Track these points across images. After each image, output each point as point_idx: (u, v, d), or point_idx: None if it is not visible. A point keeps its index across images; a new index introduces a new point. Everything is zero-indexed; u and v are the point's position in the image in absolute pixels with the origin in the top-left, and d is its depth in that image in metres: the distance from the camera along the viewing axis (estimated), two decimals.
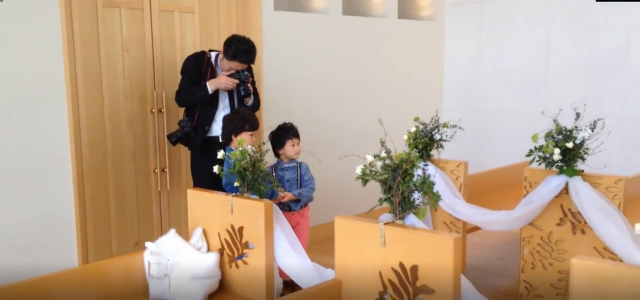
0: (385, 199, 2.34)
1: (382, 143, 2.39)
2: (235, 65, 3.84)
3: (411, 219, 2.34)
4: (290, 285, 3.80)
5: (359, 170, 2.36)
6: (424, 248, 2.21)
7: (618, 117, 4.99)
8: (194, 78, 3.91)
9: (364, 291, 2.40)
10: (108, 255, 4.04)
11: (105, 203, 4.08)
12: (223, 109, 3.96)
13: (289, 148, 3.79)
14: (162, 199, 4.37)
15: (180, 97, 3.96)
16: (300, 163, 3.85)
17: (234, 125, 3.68)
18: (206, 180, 3.65)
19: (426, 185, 2.25)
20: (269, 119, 4.18)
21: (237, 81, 3.83)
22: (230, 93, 3.96)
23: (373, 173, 2.31)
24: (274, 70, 4.77)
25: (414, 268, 2.25)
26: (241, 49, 3.81)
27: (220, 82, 3.83)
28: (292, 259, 2.73)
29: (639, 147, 5.04)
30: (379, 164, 2.30)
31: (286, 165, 3.81)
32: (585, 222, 3.14)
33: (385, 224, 2.31)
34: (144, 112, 4.22)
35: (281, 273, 3.54)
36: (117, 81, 4.07)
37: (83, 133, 3.92)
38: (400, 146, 2.73)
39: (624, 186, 3.06)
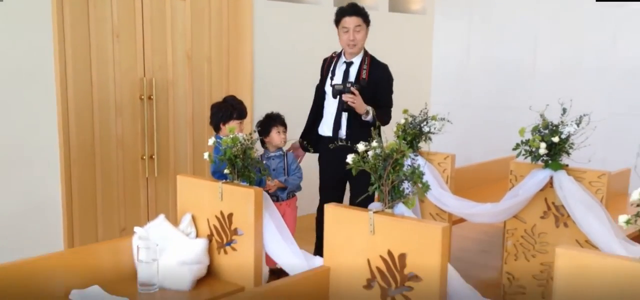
0: (375, 188, 2.37)
1: (373, 133, 2.41)
2: (348, 22, 3.77)
3: (400, 208, 2.37)
4: (276, 274, 3.83)
5: (350, 159, 2.39)
6: (412, 236, 2.24)
7: (603, 114, 5.07)
8: (320, 84, 3.99)
9: (352, 278, 2.43)
10: (93, 241, 4.04)
11: (92, 189, 4.07)
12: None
13: (275, 135, 3.81)
14: (150, 186, 4.37)
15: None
16: (286, 152, 3.87)
17: (222, 113, 3.69)
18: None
19: (416, 175, 2.29)
20: (259, 109, 4.19)
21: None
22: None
23: (364, 162, 2.33)
24: (265, 60, 4.78)
25: (402, 256, 2.28)
26: (342, 7, 3.84)
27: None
28: (281, 246, 2.75)
29: (622, 144, 5.12)
30: (370, 153, 2.32)
31: (272, 154, 3.83)
32: (569, 216, 3.20)
33: (374, 212, 2.34)
34: (133, 98, 4.22)
35: (268, 261, 3.57)
36: (106, 67, 4.06)
37: (71, 118, 3.90)
38: (388, 137, 2.77)
39: (607, 181, 3.12)
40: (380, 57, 6.04)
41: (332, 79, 3.87)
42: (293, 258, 2.70)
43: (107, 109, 4.09)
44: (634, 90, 5.19)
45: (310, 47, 5.15)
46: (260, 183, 3.52)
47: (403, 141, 3.60)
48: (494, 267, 4.36)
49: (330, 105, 3.88)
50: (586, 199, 3.12)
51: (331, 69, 3.90)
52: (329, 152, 3.38)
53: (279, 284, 2.51)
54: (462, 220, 3.98)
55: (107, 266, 2.73)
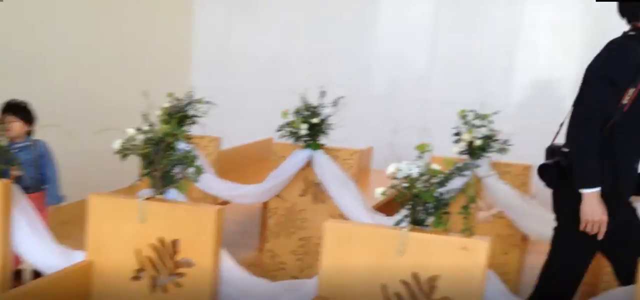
0: (146, 174, 2.26)
1: (145, 116, 2.30)
2: None
3: (172, 193, 2.31)
4: (18, 276, 3.42)
5: (117, 144, 2.24)
6: (186, 221, 2.20)
7: (350, 97, 5.63)
8: (621, 83, 2.26)
9: (119, 271, 2.29)
10: None
11: None
12: None
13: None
14: None
15: (580, 124, 2.37)
16: (36, 141, 3.45)
17: None
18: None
19: (189, 159, 2.24)
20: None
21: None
22: None
23: (134, 147, 2.21)
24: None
25: (175, 242, 2.23)
26: None
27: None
28: (35, 245, 2.46)
29: (367, 124, 5.67)
30: (141, 137, 2.21)
31: (18, 145, 3.38)
32: (325, 192, 3.46)
33: (145, 199, 2.24)
34: None
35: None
36: None
37: None
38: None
39: (358, 158, 3.46)
40: (135, 39, 5.74)
41: None
42: (50, 256, 2.43)
43: None
44: (384, 75, 5.82)
45: (57, 25, 4.70)
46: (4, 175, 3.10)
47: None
48: (254, 246, 4.51)
49: None
50: (340, 175, 3.41)
51: None
52: None
53: (31, 286, 2.26)
54: (225, 202, 4.03)
55: None
